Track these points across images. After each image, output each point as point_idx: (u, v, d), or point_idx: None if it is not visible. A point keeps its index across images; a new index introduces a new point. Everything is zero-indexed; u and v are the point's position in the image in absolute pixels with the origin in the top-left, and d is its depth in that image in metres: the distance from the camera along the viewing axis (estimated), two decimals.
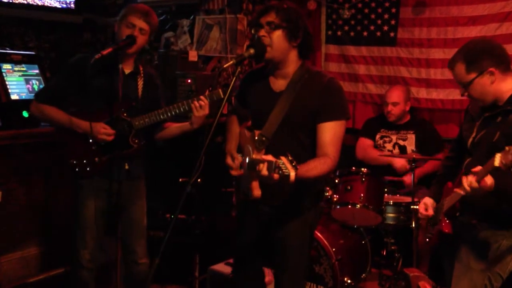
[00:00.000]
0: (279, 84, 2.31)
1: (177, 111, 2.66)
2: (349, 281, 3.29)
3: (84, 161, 2.69)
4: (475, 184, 2.04)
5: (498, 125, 2.25)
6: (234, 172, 2.33)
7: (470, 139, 2.37)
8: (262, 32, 2.22)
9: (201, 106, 2.61)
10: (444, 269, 2.59)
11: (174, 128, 2.86)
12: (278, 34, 2.20)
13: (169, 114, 2.67)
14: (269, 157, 1.96)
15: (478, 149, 2.31)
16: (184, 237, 3.56)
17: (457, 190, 2.16)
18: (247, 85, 2.45)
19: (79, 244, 2.79)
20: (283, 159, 1.89)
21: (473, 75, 2.23)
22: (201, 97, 2.62)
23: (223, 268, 3.44)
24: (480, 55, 2.23)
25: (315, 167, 2.15)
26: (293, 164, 1.88)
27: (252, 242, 2.46)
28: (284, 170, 1.87)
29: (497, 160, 1.90)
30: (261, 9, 2.27)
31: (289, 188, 2.18)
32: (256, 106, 2.39)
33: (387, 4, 4.21)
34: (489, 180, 2.03)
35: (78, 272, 2.81)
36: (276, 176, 1.91)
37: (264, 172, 1.93)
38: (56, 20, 4.19)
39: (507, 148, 1.87)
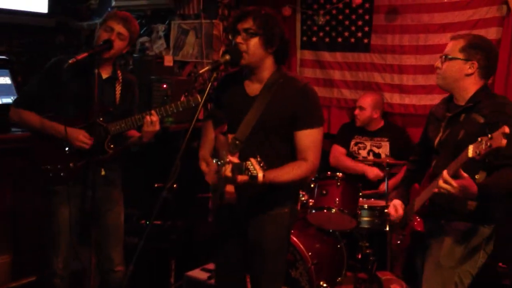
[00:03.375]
0: (254, 88, 2.32)
1: (138, 123, 2.65)
2: (325, 285, 3.31)
3: (58, 166, 2.65)
4: (446, 176, 2.07)
5: (461, 123, 2.33)
6: (208, 178, 2.33)
7: (437, 139, 2.43)
8: (239, 39, 2.23)
9: (151, 122, 2.60)
10: (417, 270, 2.63)
11: (133, 138, 2.85)
12: (254, 42, 2.22)
13: (143, 122, 2.65)
14: (235, 159, 2.04)
15: (444, 148, 2.38)
16: (160, 243, 3.54)
17: (433, 184, 2.20)
18: (222, 88, 2.46)
19: (52, 251, 2.74)
20: (252, 160, 1.95)
21: (460, 55, 2.33)
22: (152, 111, 2.61)
23: (199, 274, 3.43)
24: (480, 48, 2.32)
25: (288, 172, 2.19)
26: (261, 165, 1.94)
27: (230, 247, 2.46)
28: (252, 171, 1.92)
29: (471, 150, 1.96)
30: (238, 15, 2.27)
31: (262, 190, 2.21)
32: (230, 110, 2.39)
33: (360, 11, 4.27)
34: (464, 174, 2.06)
35: (51, 280, 2.75)
36: (240, 177, 1.99)
37: (228, 173, 2.00)
38: (28, 24, 4.12)
39: (479, 139, 1.94)
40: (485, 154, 1.93)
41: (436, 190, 2.16)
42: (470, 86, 2.34)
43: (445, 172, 2.09)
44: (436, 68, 2.42)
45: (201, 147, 2.51)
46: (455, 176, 2.06)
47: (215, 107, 2.54)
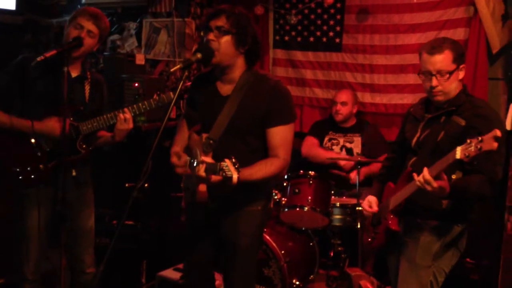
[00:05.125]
0: (226, 88, 2.33)
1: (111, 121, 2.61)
2: (297, 282, 3.33)
3: (28, 169, 2.58)
4: (428, 177, 2.09)
5: (441, 125, 2.34)
6: (179, 170, 2.31)
7: (415, 139, 2.45)
8: (211, 36, 2.22)
9: (125, 120, 2.57)
10: (388, 267, 2.67)
11: (104, 138, 2.81)
12: (226, 40, 2.22)
13: (115, 121, 2.61)
14: (209, 159, 2.05)
15: (423, 148, 2.40)
16: (132, 243, 3.50)
17: (412, 182, 2.21)
18: (196, 88, 2.46)
19: (22, 256, 2.67)
20: (227, 161, 1.96)
21: (454, 66, 2.30)
22: (125, 109, 2.58)
23: (171, 274, 3.40)
24: (462, 52, 2.34)
25: (260, 170, 2.21)
26: (236, 166, 1.95)
27: (202, 245, 2.47)
28: (227, 172, 1.93)
29: (459, 152, 1.97)
30: (211, 12, 2.27)
31: (235, 189, 2.22)
32: (204, 109, 2.40)
33: (332, 11, 4.31)
34: (445, 176, 2.08)
35: (21, 284, 2.69)
36: (214, 178, 2.01)
37: (201, 173, 2.01)
38: None
39: (468, 140, 1.95)
40: (475, 157, 1.94)
41: (417, 185, 2.17)
42: (454, 87, 2.35)
43: (426, 172, 2.10)
44: (431, 88, 2.32)
45: (174, 143, 2.50)
46: (437, 176, 2.09)
47: (188, 107, 2.53)
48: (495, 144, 1.89)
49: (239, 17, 2.24)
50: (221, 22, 2.21)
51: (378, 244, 2.80)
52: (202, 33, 2.30)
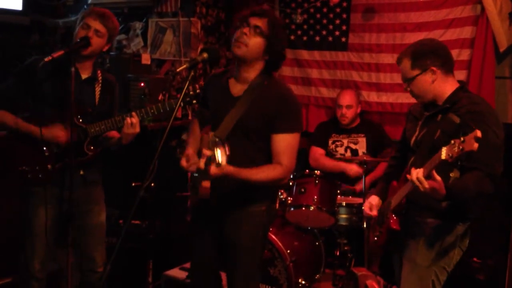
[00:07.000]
0: (238, 88, 2.35)
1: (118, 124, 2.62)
2: (303, 282, 3.33)
3: (36, 168, 2.60)
4: (421, 175, 2.08)
5: (438, 123, 2.35)
6: (191, 168, 2.33)
7: (413, 138, 2.46)
8: (246, 30, 2.26)
9: (132, 124, 2.58)
10: (393, 266, 2.66)
11: (113, 139, 2.81)
12: (258, 41, 2.26)
13: (123, 124, 2.61)
14: (209, 152, 2.07)
15: (420, 147, 2.41)
16: (138, 243, 3.51)
17: (408, 182, 2.22)
18: (209, 88, 2.49)
19: (28, 254, 2.69)
20: (220, 148, 1.99)
21: (416, 72, 2.35)
22: (133, 113, 2.59)
23: (177, 273, 3.42)
24: (425, 54, 2.34)
25: (262, 171, 2.22)
26: (227, 153, 1.98)
27: (208, 245, 2.48)
28: (217, 158, 1.97)
29: (444, 153, 1.98)
30: (255, 10, 2.31)
31: (237, 187, 2.23)
32: (214, 108, 2.42)
33: (338, 10, 4.30)
34: (437, 177, 2.08)
35: (27, 282, 2.71)
36: (212, 169, 2.03)
37: (201, 165, 2.05)
38: (2, 22, 4.04)
39: (452, 141, 1.96)
40: (457, 157, 1.95)
41: (411, 185, 2.18)
42: (443, 87, 2.35)
43: (418, 171, 2.11)
44: (408, 91, 2.46)
45: (187, 146, 2.51)
46: (428, 176, 2.08)
47: (201, 107, 2.55)
48: (476, 145, 1.90)
49: (279, 28, 2.29)
50: (261, 23, 2.25)
51: (381, 244, 2.79)
52: (238, 23, 2.30)
